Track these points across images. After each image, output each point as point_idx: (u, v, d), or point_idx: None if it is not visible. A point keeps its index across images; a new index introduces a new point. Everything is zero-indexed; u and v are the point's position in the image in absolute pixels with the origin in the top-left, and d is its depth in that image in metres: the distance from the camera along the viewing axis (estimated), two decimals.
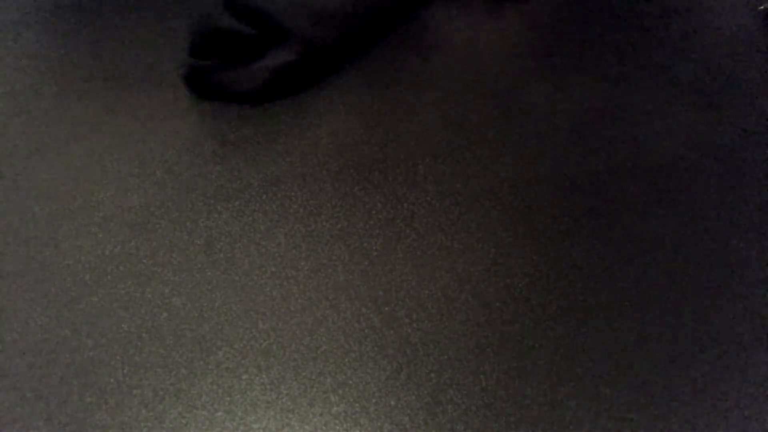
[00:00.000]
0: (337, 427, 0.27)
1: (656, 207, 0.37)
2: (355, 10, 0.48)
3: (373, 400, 0.28)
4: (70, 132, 0.42)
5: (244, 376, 0.28)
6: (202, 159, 0.40)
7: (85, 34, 0.52)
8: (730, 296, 0.32)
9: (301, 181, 0.38)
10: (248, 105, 0.44)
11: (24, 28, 0.53)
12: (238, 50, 0.44)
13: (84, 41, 0.51)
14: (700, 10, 0.57)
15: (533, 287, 0.33)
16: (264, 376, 0.28)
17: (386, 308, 0.31)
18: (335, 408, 0.27)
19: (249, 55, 0.44)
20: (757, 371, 0.29)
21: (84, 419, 0.27)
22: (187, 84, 0.45)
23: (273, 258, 0.34)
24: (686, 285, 0.33)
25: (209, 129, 0.43)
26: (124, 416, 0.27)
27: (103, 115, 0.43)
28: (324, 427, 0.27)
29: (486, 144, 0.42)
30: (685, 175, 0.40)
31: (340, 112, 0.44)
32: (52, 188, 0.37)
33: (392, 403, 0.28)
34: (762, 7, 0.56)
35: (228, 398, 0.28)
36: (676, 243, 0.35)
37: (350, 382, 0.28)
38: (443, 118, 0.44)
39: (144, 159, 0.40)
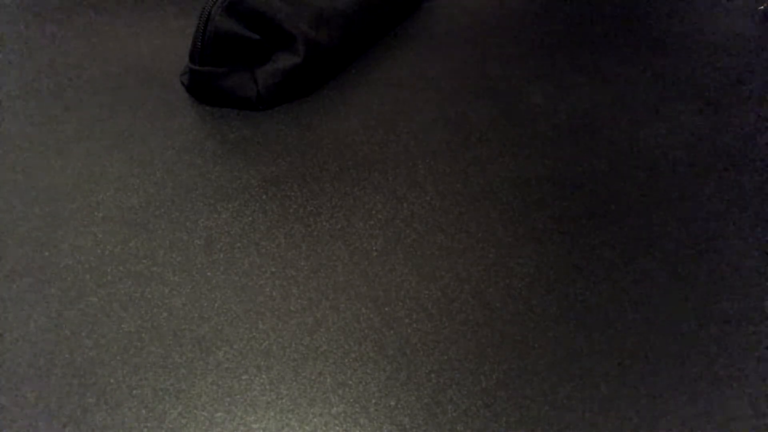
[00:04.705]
0: (337, 427, 0.27)
1: (656, 207, 0.37)
2: (357, 10, 0.48)
3: (373, 400, 0.28)
4: (70, 132, 0.42)
5: (244, 376, 0.28)
6: (202, 159, 0.40)
7: (86, 34, 0.52)
8: (730, 296, 0.32)
9: (301, 181, 0.38)
10: (253, 110, 0.44)
11: (24, 28, 0.53)
12: (242, 55, 0.44)
13: (84, 41, 0.51)
14: (700, 10, 0.57)
15: (533, 287, 0.33)
16: (264, 376, 0.28)
17: (386, 308, 0.31)
18: (335, 408, 0.27)
19: (253, 60, 0.44)
20: (758, 371, 0.29)
21: (84, 419, 0.27)
22: (190, 90, 0.45)
23: (273, 258, 0.34)
24: (686, 285, 0.33)
25: (209, 129, 0.43)
26: (124, 416, 0.27)
27: (103, 115, 0.43)
28: (324, 427, 0.27)
29: (486, 144, 0.42)
30: (685, 176, 0.40)
31: (340, 112, 0.44)
32: (52, 188, 0.37)
33: (392, 403, 0.28)
34: (762, 7, 0.56)
35: (228, 398, 0.28)
36: (676, 243, 0.35)
37: (350, 382, 0.28)
38: (443, 118, 0.44)
39: (144, 159, 0.40)
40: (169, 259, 0.33)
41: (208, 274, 0.33)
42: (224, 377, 0.28)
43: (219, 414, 0.27)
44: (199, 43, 0.43)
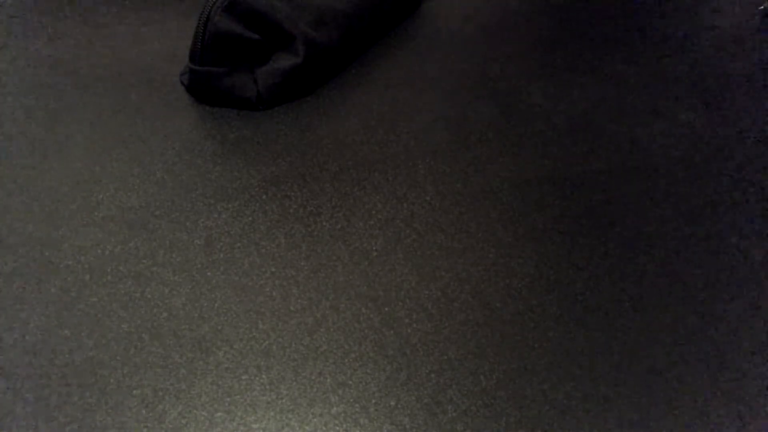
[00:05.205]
0: (337, 427, 0.27)
1: (656, 207, 0.37)
2: (357, 10, 0.48)
3: (373, 400, 0.28)
4: (70, 132, 0.42)
5: (244, 377, 0.28)
6: (202, 159, 0.40)
7: (86, 35, 0.52)
8: (730, 296, 0.32)
9: (301, 181, 0.39)
10: (252, 110, 0.44)
11: (24, 28, 0.53)
12: (242, 55, 0.44)
13: (84, 41, 0.51)
14: (700, 10, 0.57)
15: (533, 287, 0.33)
16: (264, 376, 0.28)
17: (386, 308, 0.31)
18: (335, 408, 0.27)
19: (253, 60, 0.44)
20: (758, 371, 0.29)
21: (84, 419, 0.27)
22: (190, 90, 0.45)
23: (273, 258, 0.34)
24: (686, 285, 0.33)
25: (209, 129, 0.43)
26: (124, 416, 0.27)
27: (103, 115, 0.43)
28: (324, 427, 0.27)
29: (486, 144, 0.42)
30: (684, 175, 0.40)
31: (340, 112, 0.44)
32: (52, 188, 0.37)
33: (392, 403, 0.28)
34: (762, 7, 0.56)
35: (228, 398, 0.28)
36: (676, 243, 0.35)
37: (350, 382, 0.28)
38: (443, 118, 0.44)
39: (144, 159, 0.40)
40: (169, 259, 0.33)
41: (208, 274, 0.33)
42: (224, 377, 0.28)
43: (219, 414, 0.27)
44: (199, 43, 0.43)
